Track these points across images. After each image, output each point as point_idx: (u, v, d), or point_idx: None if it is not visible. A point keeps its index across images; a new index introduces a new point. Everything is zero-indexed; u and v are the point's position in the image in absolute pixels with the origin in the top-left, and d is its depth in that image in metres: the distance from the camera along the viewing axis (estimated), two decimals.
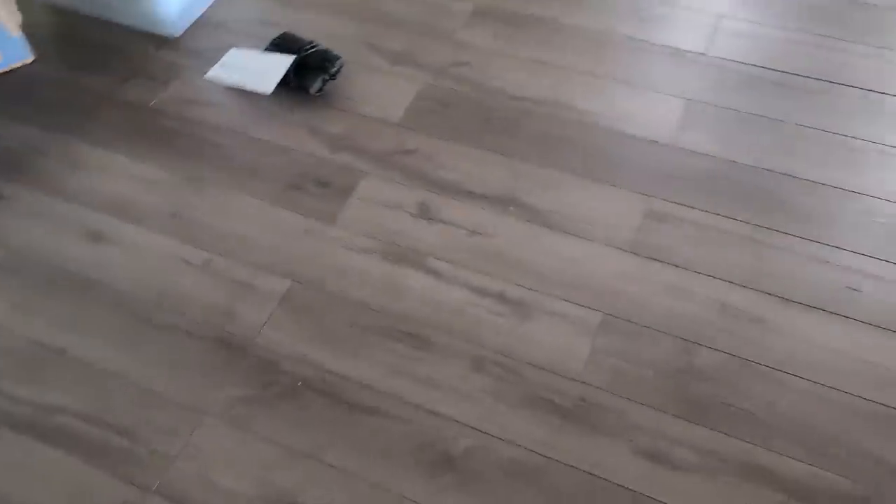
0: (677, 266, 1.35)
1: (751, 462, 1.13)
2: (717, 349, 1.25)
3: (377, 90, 1.67)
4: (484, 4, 1.84)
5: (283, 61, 1.65)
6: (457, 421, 1.18)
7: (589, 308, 1.31)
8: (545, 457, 1.14)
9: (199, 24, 1.84)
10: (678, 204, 1.44)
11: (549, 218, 1.43)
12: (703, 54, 1.70)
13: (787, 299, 1.30)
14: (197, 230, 1.44)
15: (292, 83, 1.65)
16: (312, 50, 1.66)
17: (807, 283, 1.32)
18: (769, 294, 1.31)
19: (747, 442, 1.15)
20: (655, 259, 1.36)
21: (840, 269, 1.33)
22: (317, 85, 1.64)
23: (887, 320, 1.26)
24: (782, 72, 1.65)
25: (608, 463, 1.14)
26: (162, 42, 1.80)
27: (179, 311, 1.33)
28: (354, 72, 1.71)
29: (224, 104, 1.67)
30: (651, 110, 1.60)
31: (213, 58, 1.73)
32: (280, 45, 1.70)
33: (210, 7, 1.87)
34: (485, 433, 1.17)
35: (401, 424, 1.18)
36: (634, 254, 1.37)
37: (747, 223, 1.40)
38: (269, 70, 1.65)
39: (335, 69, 1.65)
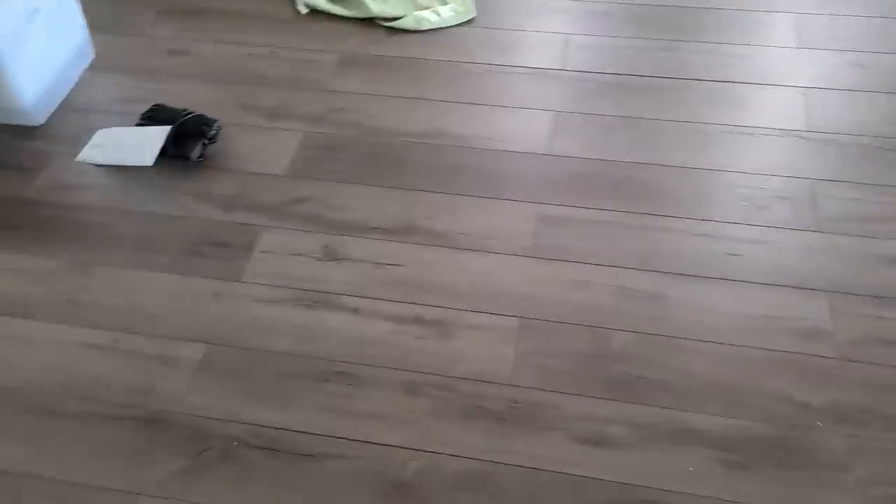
0: (576, 262, 1.44)
1: (678, 426, 1.21)
2: (626, 330, 1.33)
3: (259, 146, 1.69)
4: (349, 53, 1.90)
5: (160, 132, 1.64)
6: (401, 447, 1.20)
7: (505, 315, 1.36)
8: (492, 462, 1.18)
9: (63, 109, 1.79)
10: (565, 206, 1.53)
11: (451, 239, 1.48)
12: (560, 70, 1.83)
13: (678, 274, 1.41)
14: (97, 313, 1.39)
15: (172, 152, 1.63)
16: (188, 117, 1.66)
17: (692, 256, 1.44)
18: (662, 272, 1.41)
19: (671, 409, 1.23)
20: (555, 259, 1.44)
21: (718, 238, 1.46)
22: (197, 150, 1.63)
23: (767, 276, 1.40)
24: (631, 75, 1.80)
25: (550, 455, 1.19)
26: (25, 132, 1.74)
27: (92, 396, 1.28)
28: (233, 133, 1.71)
29: (102, 184, 1.63)
30: (524, 126, 1.70)
31: (83, 141, 1.69)
32: (152, 117, 1.69)
33: (71, 91, 1.83)
34: (431, 452, 1.19)
35: (347, 463, 1.18)
36: (536, 258, 1.45)
37: (629, 213, 1.51)
38: (145, 142, 1.63)
39: (213, 132, 1.66)
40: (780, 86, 1.76)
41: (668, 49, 1.86)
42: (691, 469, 1.16)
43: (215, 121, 1.67)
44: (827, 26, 1.90)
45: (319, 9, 2.00)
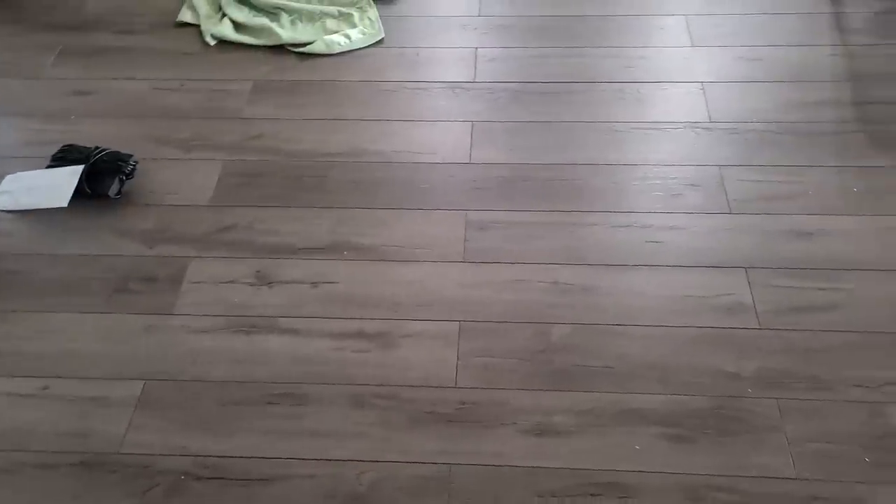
0: (508, 263, 1.47)
1: (621, 409, 1.25)
2: (563, 323, 1.37)
3: (179, 179, 1.66)
4: (262, 81, 1.90)
5: (72, 172, 1.59)
6: (354, 460, 1.19)
7: (445, 321, 1.38)
8: (446, 464, 1.19)
9: None
10: (492, 210, 1.57)
11: (384, 252, 1.50)
12: (473, 82, 1.88)
13: (606, 265, 1.46)
14: (22, 361, 1.33)
15: (88, 192, 1.59)
16: (101, 154, 1.62)
17: (617, 247, 1.49)
18: (591, 265, 1.46)
19: (612, 392, 1.27)
20: (488, 262, 1.47)
21: (639, 228, 1.53)
22: (115, 187, 1.59)
23: (687, 259, 1.47)
24: (541, 83, 1.87)
25: (501, 450, 1.21)
26: None
27: (23, 447, 1.22)
28: (150, 168, 1.68)
29: (16, 230, 1.56)
30: (443, 138, 1.74)
31: None
32: (63, 157, 1.64)
33: None
34: (384, 462, 1.19)
35: (301, 483, 1.17)
36: (469, 262, 1.47)
37: (554, 211, 1.56)
38: (58, 184, 1.58)
39: (130, 167, 1.62)
40: (681, 82, 1.86)
41: (573, 56, 1.94)
42: (637, 447, 1.20)
43: (131, 156, 1.64)
44: (716, 25, 2.02)
45: (227, 39, 1.99)
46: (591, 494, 1.16)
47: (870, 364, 1.29)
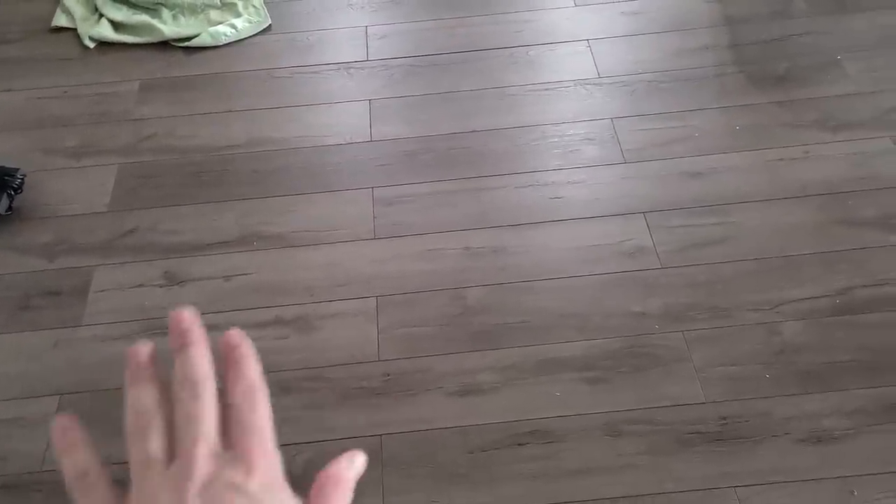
0: (419, 234, 1.49)
1: (541, 359, 1.30)
2: (478, 285, 1.41)
3: (73, 188, 1.60)
4: (149, 79, 1.85)
5: None
6: (287, 444, 1.20)
7: (361, 298, 1.39)
8: (377, 436, 1.21)
9: None
10: (398, 185, 1.59)
11: (294, 238, 1.49)
12: (366, 61, 1.88)
13: (513, 225, 1.50)
14: None
15: None
16: None
17: (522, 207, 1.54)
18: (499, 226, 1.50)
19: (531, 345, 1.32)
20: (398, 236, 1.49)
21: (541, 186, 1.57)
22: (3, 203, 1.53)
23: (588, 210, 1.52)
24: (433, 55, 1.89)
25: (431, 415, 1.24)
26: None
27: None
28: (41, 180, 1.62)
29: None
30: (342, 119, 1.74)
31: None
32: None
33: None
34: (316, 442, 1.20)
35: None
36: (380, 238, 1.49)
37: (458, 179, 1.59)
38: None
39: (18, 181, 1.56)
40: (568, 42, 1.91)
41: (462, 26, 1.96)
42: (559, 394, 1.26)
43: (17, 169, 1.57)
44: None
45: (107, 40, 1.92)
46: (519, 444, 1.20)
47: (763, 288, 1.38)
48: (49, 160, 1.66)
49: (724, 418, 1.23)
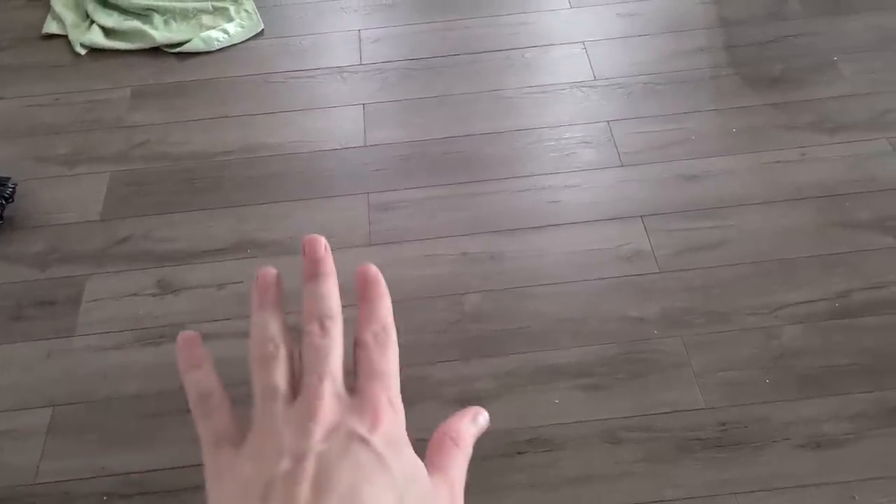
0: (415, 240, 1.48)
1: (539, 366, 1.29)
2: (476, 292, 1.40)
3: (65, 196, 1.59)
4: (141, 86, 1.83)
5: None
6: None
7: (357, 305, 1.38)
8: None
9: None
10: (393, 190, 1.57)
11: (289, 245, 1.48)
12: (360, 65, 1.87)
13: (510, 230, 1.49)
14: None
15: None
16: None
17: (519, 211, 1.53)
18: (496, 231, 1.49)
19: (529, 352, 1.31)
20: (395, 242, 1.48)
21: (538, 190, 1.56)
22: None
23: (586, 214, 1.51)
24: (428, 58, 1.88)
25: (427, 424, 1.21)
26: None
27: None
28: (33, 188, 1.60)
29: None
30: (337, 124, 1.73)
31: None
32: None
33: None
34: None
35: None
36: (376, 244, 1.48)
37: (454, 184, 1.58)
38: None
39: (9, 191, 1.54)
40: (563, 44, 1.90)
41: (456, 28, 1.95)
42: (557, 401, 1.25)
43: (9, 178, 1.56)
44: None
45: (99, 47, 1.90)
46: (518, 453, 1.19)
47: (761, 292, 1.37)
48: (41, 168, 1.65)
49: (724, 424, 1.22)
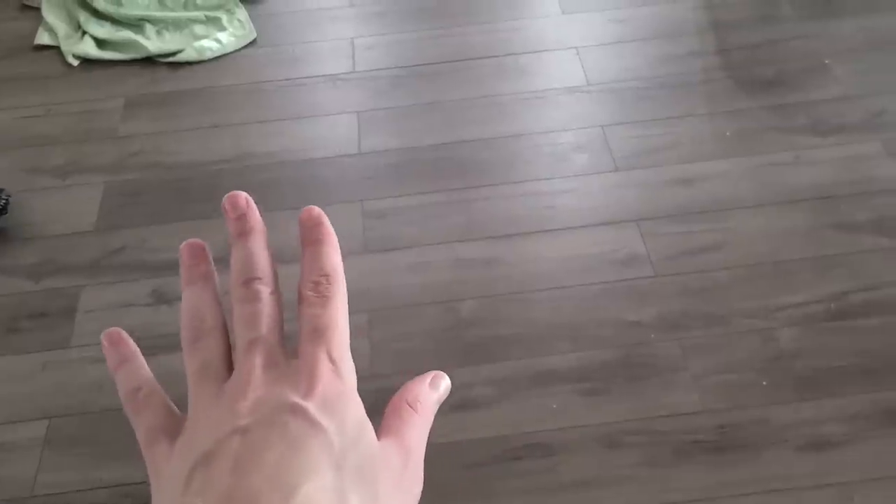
0: (409, 247, 1.48)
1: (535, 372, 1.29)
2: (470, 298, 1.39)
3: (58, 207, 1.58)
4: (134, 96, 1.83)
5: None
6: None
7: (353, 313, 1.36)
8: None
9: None
10: (387, 197, 1.57)
11: (282, 253, 1.46)
12: (353, 72, 1.87)
13: (504, 235, 1.49)
14: None
15: None
16: None
17: (513, 217, 1.52)
18: (490, 237, 1.49)
19: (526, 357, 1.31)
20: (389, 249, 1.48)
21: (532, 196, 1.56)
22: None
23: (580, 219, 1.51)
24: (421, 65, 1.88)
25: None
26: None
27: None
28: (26, 200, 1.60)
29: None
30: (330, 132, 1.72)
31: None
32: None
33: None
34: None
35: None
36: (370, 252, 1.48)
37: (448, 190, 1.58)
38: None
39: (2, 202, 1.53)
40: (556, 50, 1.90)
41: (448, 35, 1.96)
42: (554, 406, 1.24)
43: (2, 190, 1.55)
44: None
45: (91, 57, 1.90)
46: (516, 458, 1.19)
47: (758, 294, 1.37)
48: (34, 180, 1.64)
49: (722, 427, 1.22)
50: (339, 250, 0.30)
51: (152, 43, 1.91)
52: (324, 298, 0.29)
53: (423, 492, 1.06)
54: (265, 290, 0.29)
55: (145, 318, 1.38)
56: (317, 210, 0.31)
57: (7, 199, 1.55)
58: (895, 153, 1.56)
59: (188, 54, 1.89)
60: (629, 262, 1.43)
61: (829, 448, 1.20)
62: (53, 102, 1.81)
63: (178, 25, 1.95)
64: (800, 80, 1.73)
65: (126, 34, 1.91)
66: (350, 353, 0.29)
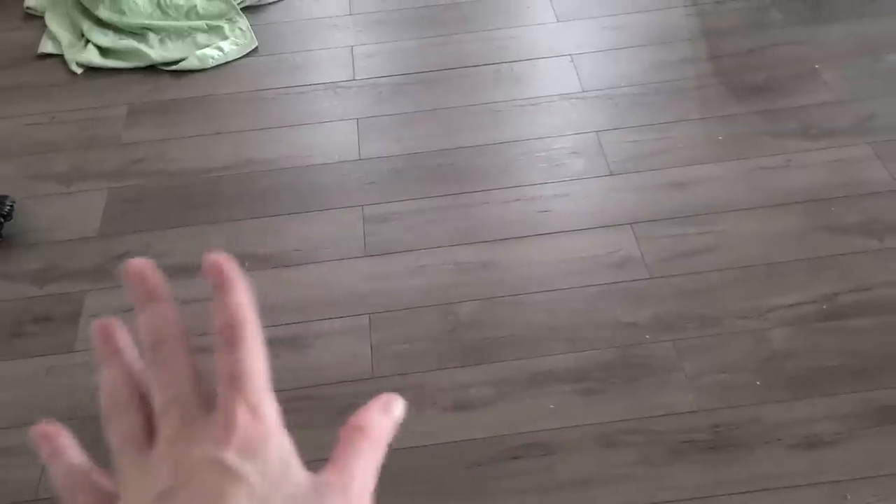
0: (409, 251, 1.50)
1: (533, 372, 1.31)
2: (469, 300, 1.42)
3: (62, 214, 1.61)
4: (137, 103, 1.86)
5: None
6: None
7: (354, 316, 1.40)
8: None
9: None
10: (387, 203, 1.60)
11: (285, 258, 1.50)
12: (353, 80, 1.90)
13: (501, 239, 1.52)
14: None
15: None
16: None
17: (509, 221, 1.55)
18: (487, 241, 1.52)
19: (524, 359, 1.33)
20: (389, 253, 1.50)
21: (528, 201, 1.59)
22: None
23: (576, 223, 1.54)
24: (419, 73, 1.91)
25: (425, 431, 1.24)
26: None
27: None
28: (30, 206, 1.62)
29: None
30: (330, 139, 1.75)
31: None
32: None
33: None
34: (311, 461, 1.20)
35: None
36: (371, 256, 1.50)
37: (446, 195, 1.61)
38: None
39: (7, 208, 1.56)
40: (551, 57, 1.93)
41: (446, 43, 1.99)
42: (552, 406, 1.27)
43: (7, 197, 1.57)
44: None
45: (95, 66, 1.93)
46: (514, 458, 1.21)
47: (751, 296, 1.40)
48: (38, 186, 1.67)
49: (717, 426, 1.24)
50: (244, 291, 0.30)
51: (155, 51, 1.93)
52: (232, 346, 0.29)
53: (423, 491, 1.09)
54: (174, 351, 0.29)
55: None
56: (215, 256, 0.31)
57: (12, 206, 1.57)
58: (884, 156, 1.59)
59: (191, 62, 1.92)
60: (624, 265, 1.46)
61: (821, 446, 1.23)
62: (57, 110, 1.84)
63: (180, 34, 1.98)
64: (791, 85, 1.76)
65: (129, 42, 1.94)
66: (270, 393, 0.29)
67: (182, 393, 0.28)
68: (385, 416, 0.31)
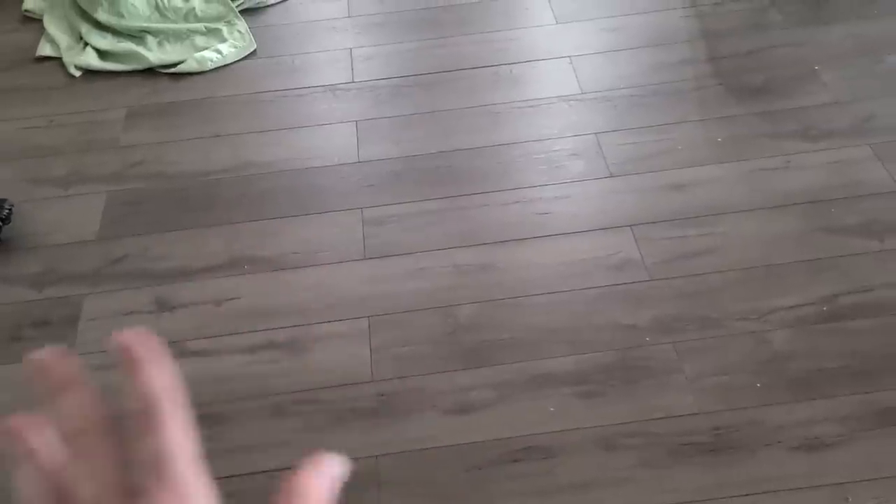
0: (408, 253, 1.50)
1: (533, 375, 1.31)
2: (468, 303, 1.42)
3: (61, 217, 1.60)
4: (135, 106, 1.85)
5: None
6: (281, 469, 1.20)
7: (353, 319, 1.40)
8: (373, 457, 1.21)
9: None
10: (386, 205, 1.60)
11: (283, 261, 1.50)
12: (352, 82, 1.89)
13: (500, 242, 1.51)
14: None
15: None
16: None
17: (508, 223, 1.55)
18: (487, 244, 1.51)
19: (523, 361, 1.33)
20: (388, 255, 1.50)
21: (527, 202, 1.58)
22: None
23: (575, 225, 1.53)
24: (418, 75, 1.90)
25: (427, 434, 1.24)
26: None
27: None
28: (28, 210, 1.62)
29: None
30: (329, 141, 1.75)
31: None
32: None
33: None
34: None
35: (229, 502, 1.16)
36: (370, 258, 1.50)
37: (445, 198, 1.60)
38: None
39: (6, 212, 1.55)
40: (550, 59, 1.93)
41: (446, 45, 1.98)
42: (552, 409, 1.26)
43: (5, 200, 1.57)
44: (575, 1, 2.11)
45: (93, 68, 1.93)
46: (515, 461, 1.21)
47: (751, 297, 1.39)
48: (36, 190, 1.66)
49: (717, 428, 1.24)
50: (160, 364, 0.28)
51: (153, 54, 1.93)
52: (148, 431, 0.27)
53: (423, 494, 1.08)
54: (95, 441, 0.28)
55: (148, 326, 1.39)
56: (124, 335, 0.29)
57: (10, 210, 1.57)
58: (884, 157, 1.59)
59: (189, 65, 1.92)
60: (624, 267, 1.45)
61: (822, 448, 1.22)
62: (55, 113, 1.84)
63: (179, 37, 1.97)
64: (790, 86, 1.76)
65: (127, 45, 1.94)
66: (196, 468, 0.27)
67: (106, 485, 0.26)
68: (321, 479, 0.30)
